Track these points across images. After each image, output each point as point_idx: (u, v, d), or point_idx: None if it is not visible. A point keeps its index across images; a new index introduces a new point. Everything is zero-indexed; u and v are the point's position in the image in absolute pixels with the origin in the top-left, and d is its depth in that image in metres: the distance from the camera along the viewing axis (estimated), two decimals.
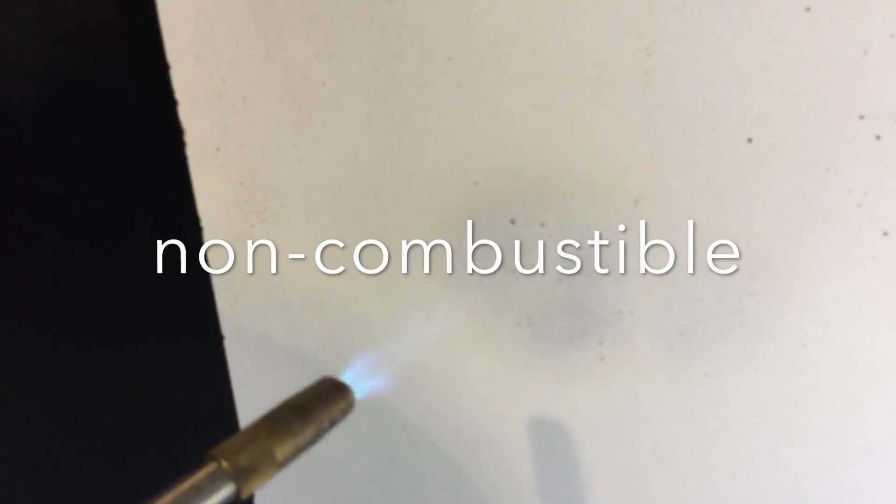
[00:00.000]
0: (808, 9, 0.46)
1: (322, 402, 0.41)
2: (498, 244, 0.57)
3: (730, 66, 0.48)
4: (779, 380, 0.54)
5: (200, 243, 0.64)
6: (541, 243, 0.56)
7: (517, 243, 0.57)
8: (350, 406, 0.42)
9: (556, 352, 0.59)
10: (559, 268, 0.56)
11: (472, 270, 0.59)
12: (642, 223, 0.53)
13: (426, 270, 0.60)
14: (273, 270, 0.64)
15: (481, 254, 0.58)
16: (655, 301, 0.55)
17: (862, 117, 0.46)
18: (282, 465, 0.37)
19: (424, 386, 0.64)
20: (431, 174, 0.57)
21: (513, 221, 0.56)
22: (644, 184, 0.52)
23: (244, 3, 0.57)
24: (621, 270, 0.55)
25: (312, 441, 0.39)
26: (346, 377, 0.46)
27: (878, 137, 0.46)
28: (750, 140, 0.49)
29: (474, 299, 0.59)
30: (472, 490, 0.67)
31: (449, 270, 0.59)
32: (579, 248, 0.55)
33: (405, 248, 0.60)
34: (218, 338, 0.67)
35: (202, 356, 0.69)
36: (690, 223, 0.52)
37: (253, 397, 0.70)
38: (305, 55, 0.56)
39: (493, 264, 0.58)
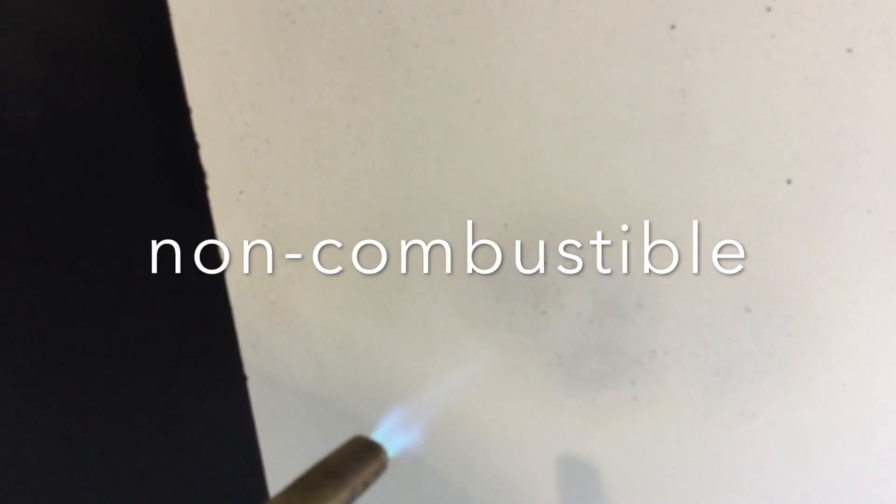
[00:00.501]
0: (849, 50, 0.44)
1: (354, 464, 0.40)
2: (528, 285, 0.56)
3: (768, 108, 0.46)
4: (816, 419, 0.53)
5: (223, 287, 0.63)
6: (571, 284, 0.55)
7: (548, 285, 0.55)
8: (383, 466, 0.41)
9: (587, 391, 0.58)
10: (590, 308, 0.55)
11: (501, 312, 0.57)
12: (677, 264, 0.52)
13: (455, 313, 0.59)
14: (296, 311, 0.63)
15: (511, 295, 0.57)
16: (690, 341, 0.54)
17: None
18: None
19: (453, 429, 0.63)
20: (460, 216, 0.55)
21: (545, 263, 0.55)
22: (679, 226, 0.51)
23: (266, 47, 0.55)
24: (654, 311, 0.54)
25: None
26: (378, 434, 0.45)
27: None
28: (789, 181, 0.48)
29: (504, 340, 0.58)
30: None
31: (479, 311, 0.58)
32: (610, 288, 0.54)
33: (432, 290, 0.59)
34: (241, 378, 0.66)
35: (226, 398, 0.68)
36: (728, 265, 0.51)
37: (277, 440, 0.69)
38: (330, 98, 0.54)
39: (522, 306, 0.57)
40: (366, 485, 0.40)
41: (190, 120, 0.59)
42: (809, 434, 0.54)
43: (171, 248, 0.63)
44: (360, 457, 0.41)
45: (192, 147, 0.58)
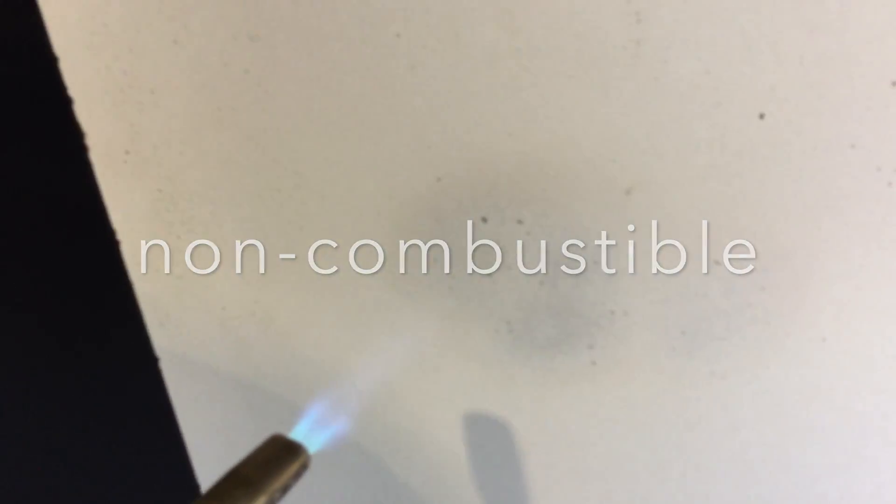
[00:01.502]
0: None
1: (271, 468, 0.36)
2: (469, 246, 0.49)
3: (738, 31, 0.40)
4: (793, 377, 0.49)
5: (120, 260, 0.55)
6: (518, 242, 0.48)
7: (491, 244, 0.49)
8: (304, 467, 0.38)
9: (541, 358, 0.52)
10: (540, 268, 0.49)
11: (441, 276, 0.51)
12: (635, 216, 0.46)
13: (387, 278, 0.52)
14: (207, 285, 0.56)
15: (450, 257, 0.50)
16: (653, 300, 0.48)
17: (894, 84, 0.39)
18: None
19: (393, 407, 0.57)
20: (386, 172, 0.48)
21: (484, 220, 0.48)
22: (637, 171, 0.45)
23: None
24: (612, 268, 0.48)
25: None
26: (301, 427, 0.40)
27: None
28: (762, 116, 0.42)
29: (445, 306, 0.52)
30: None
31: (413, 276, 0.51)
32: (563, 245, 0.48)
33: (359, 253, 0.52)
34: (152, 359, 0.59)
35: (138, 382, 0.61)
36: (693, 214, 0.45)
37: (200, 425, 0.63)
38: (221, 38, 0.46)
39: (464, 268, 0.50)
40: (285, 489, 0.37)
41: (58, 70, 0.50)
42: (786, 394, 0.50)
43: (55, 218, 0.55)
44: (276, 460, 0.38)
45: (63, 102, 0.50)
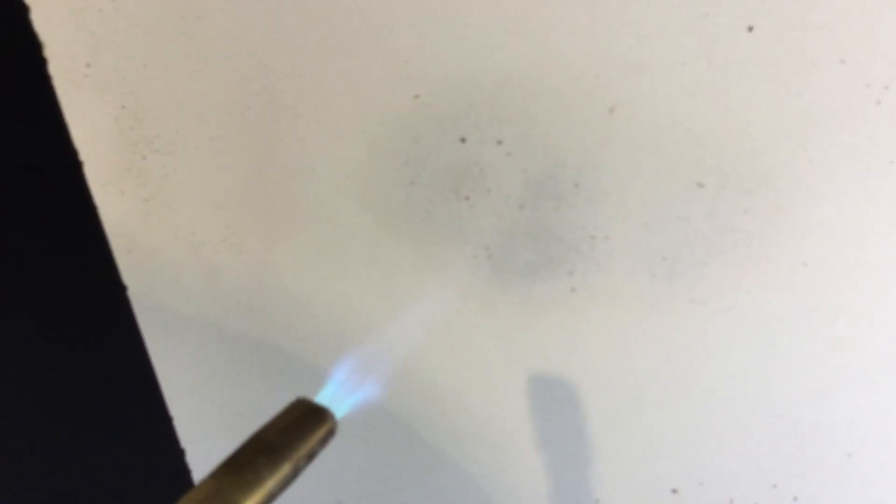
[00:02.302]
0: None
1: (296, 434, 0.33)
2: (446, 167, 0.48)
3: None
4: (775, 303, 0.48)
5: (82, 182, 0.53)
6: (497, 164, 0.47)
7: (469, 165, 0.47)
8: (331, 433, 0.35)
9: (521, 285, 0.51)
10: (520, 191, 0.47)
11: (418, 199, 0.49)
12: (618, 135, 0.44)
13: (362, 201, 0.50)
14: (175, 209, 0.54)
15: (427, 179, 0.48)
16: (634, 224, 0.47)
17: None
18: None
19: (370, 338, 0.55)
20: (359, 88, 0.46)
21: (463, 140, 0.47)
22: (621, 88, 0.43)
23: None
24: (593, 191, 0.46)
25: (289, 482, 0.32)
26: (325, 393, 0.38)
27: None
28: (750, 28, 0.41)
29: (423, 232, 0.50)
30: (430, 436, 0.60)
31: (389, 200, 0.50)
32: (543, 167, 0.46)
33: (334, 175, 0.50)
34: (119, 288, 0.57)
35: (103, 311, 0.59)
36: (677, 133, 0.43)
37: (173, 359, 0.61)
38: None
39: (441, 191, 0.48)
40: (311, 456, 0.33)
41: None
42: (768, 320, 0.49)
43: (12, 136, 0.52)
44: (302, 425, 0.34)
45: (19, 9, 0.47)
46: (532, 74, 0.44)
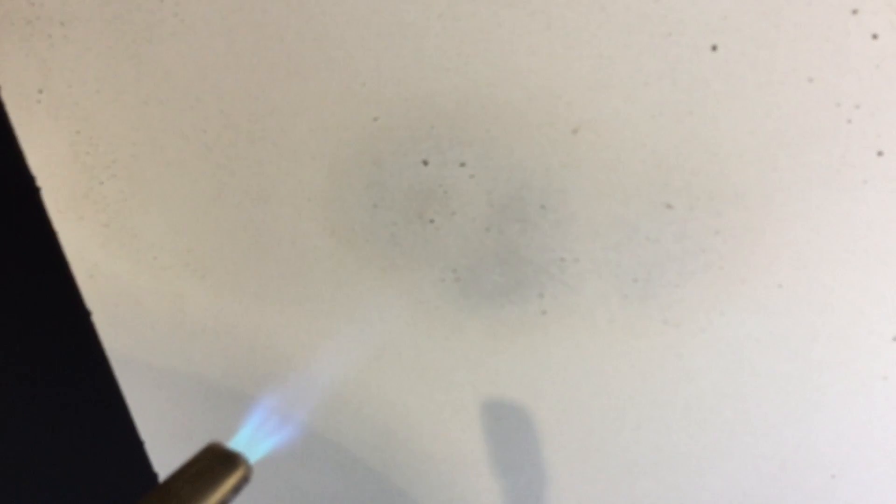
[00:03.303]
0: None
1: (205, 483, 0.32)
2: (410, 189, 0.46)
3: None
4: (750, 325, 0.47)
5: (41, 208, 0.52)
6: (461, 186, 0.46)
7: (433, 187, 0.46)
8: (244, 480, 0.33)
9: (490, 308, 0.50)
10: (485, 213, 0.46)
11: (382, 222, 0.48)
12: (583, 157, 0.43)
13: (325, 224, 0.49)
14: (135, 234, 0.53)
15: (390, 203, 0.47)
16: (603, 245, 0.46)
17: (855, 12, 0.37)
18: None
19: (336, 361, 0.54)
20: (317, 111, 0.45)
21: (425, 162, 0.45)
22: (584, 108, 0.42)
23: None
24: (560, 213, 0.45)
25: None
26: (240, 438, 0.36)
27: (874, 37, 0.38)
28: (714, 47, 0.40)
29: (388, 255, 0.49)
30: (404, 460, 0.59)
31: (353, 223, 0.49)
32: (508, 189, 0.45)
33: (295, 199, 0.49)
34: (84, 313, 0.56)
35: (70, 338, 0.58)
36: (643, 154, 0.42)
37: (140, 384, 0.60)
38: None
39: (405, 214, 0.47)
40: None
41: None
42: (742, 342, 0.48)
43: None
44: (211, 472, 0.32)
45: None
46: (492, 95, 0.42)
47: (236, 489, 0.32)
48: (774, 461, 0.52)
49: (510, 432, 0.55)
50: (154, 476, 0.65)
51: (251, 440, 0.36)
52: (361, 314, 0.52)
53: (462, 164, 0.45)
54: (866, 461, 0.51)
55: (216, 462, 0.32)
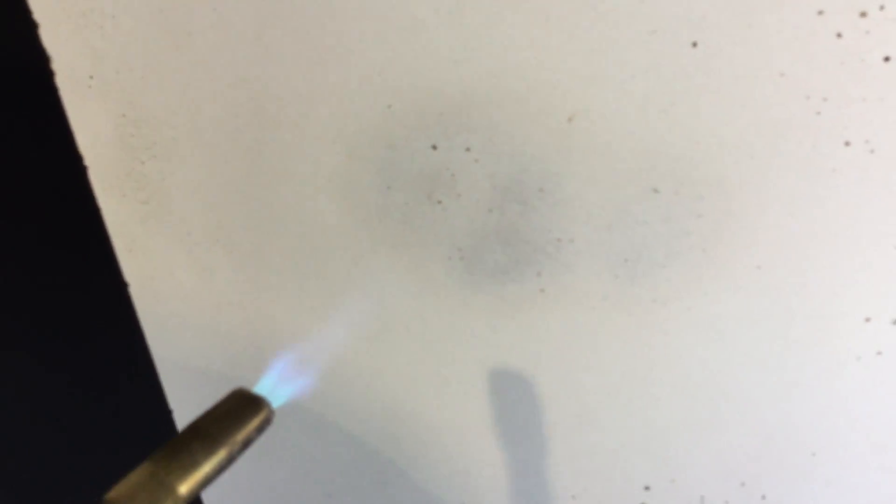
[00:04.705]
0: None
1: (232, 422, 0.35)
2: (420, 172, 0.51)
3: None
4: (731, 304, 0.51)
5: (87, 185, 0.57)
6: (467, 170, 0.50)
7: (441, 170, 0.50)
8: (267, 422, 0.36)
9: (492, 285, 0.54)
10: (488, 195, 0.50)
11: (394, 203, 0.52)
12: (577, 143, 0.47)
13: (342, 204, 0.54)
14: (171, 211, 0.58)
15: (402, 184, 0.52)
16: (596, 227, 0.50)
17: (821, 13, 0.41)
18: (188, 499, 0.32)
19: (352, 332, 0.58)
20: (337, 99, 0.50)
21: (434, 147, 0.50)
22: (578, 99, 0.46)
23: None
24: (557, 196, 0.49)
25: (225, 466, 0.34)
26: (263, 384, 0.40)
27: (839, 35, 0.41)
28: (695, 44, 0.43)
29: (399, 234, 0.53)
30: (411, 431, 0.63)
31: (367, 204, 0.53)
32: (509, 173, 0.49)
33: (316, 179, 0.53)
34: (121, 285, 0.61)
35: (106, 306, 0.62)
36: (631, 141, 0.46)
37: (170, 351, 0.65)
38: None
39: (415, 195, 0.52)
40: (246, 443, 0.35)
41: None
42: (725, 320, 0.51)
43: (22, 145, 0.57)
44: (238, 414, 0.36)
45: (29, 26, 0.51)
46: (495, 86, 0.47)
47: (260, 429, 0.36)
48: (758, 437, 0.55)
49: (510, 405, 0.59)
50: None
51: (272, 389, 0.40)
52: (374, 289, 0.56)
53: (468, 149, 0.49)
54: (844, 440, 0.54)
55: (242, 404, 0.36)
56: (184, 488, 0.32)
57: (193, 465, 0.33)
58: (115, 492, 0.31)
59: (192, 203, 0.57)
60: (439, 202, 0.52)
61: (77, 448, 0.73)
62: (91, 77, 0.54)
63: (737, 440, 0.56)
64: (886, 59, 0.41)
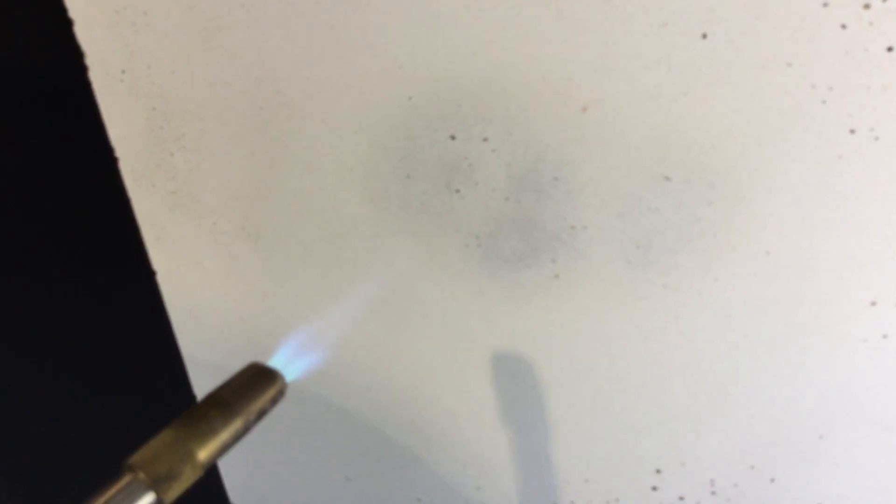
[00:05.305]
0: None
1: (248, 393, 0.37)
2: (439, 161, 0.53)
3: None
4: (740, 289, 0.52)
5: (118, 176, 0.59)
6: (484, 159, 0.52)
7: (459, 160, 0.52)
8: (280, 393, 0.39)
9: (508, 271, 0.56)
10: (505, 184, 0.52)
11: (414, 192, 0.54)
12: (591, 132, 0.49)
13: (363, 194, 0.56)
14: (199, 201, 0.60)
15: (422, 173, 0.54)
16: (609, 214, 0.51)
17: (826, 5, 0.42)
18: (206, 465, 0.34)
19: (373, 317, 0.60)
20: (359, 91, 0.52)
21: (453, 137, 0.52)
22: (591, 89, 0.48)
23: None
24: (571, 184, 0.51)
25: (240, 436, 0.36)
26: (278, 357, 0.42)
27: (843, 27, 0.42)
28: (705, 36, 0.45)
29: (419, 221, 0.55)
30: (428, 416, 0.65)
31: (389, 193, 0.55)
32: (525, 162, 0.51)
33: (340, 169, 0.55)
34: (149, 273, 0.63)
35: (134, 294, 0.65)
36: (644, 130, 0.48)
37: (196, 338, 0.67)
38: None
39: (434, 184, 0.54)
40: (261, 413, 0.37)
41: None
42: (735, 305, 0.53)
43: (56, 138, 0.59)
44: (253, 385, 0.38)
45: (64, 23, 0.53)
46: (511, 77, 0.49)
47: (274, 400, 0.38)
48: (767, 420, 0.56)
49: (525, 390, 0.61)
50: None
51: (286, 363, 0.42)
52: (394, 276, 0.58)
53: (485, 139, 0.51)
54: (851, 422, 0.55)
55: (257, 376, 0.38)
56: (202, 454, 0.34)
57: (212, 432, 0.34)
58: (139, 456, 0.33)
59: (219, 193, 0.59)
60: (457, 191, 0.53)
61: (102, 435, 0.75)
62: (123, 71, 0.56)
63: (746, 423, 0.57)
64: (890, 49, 0.42)
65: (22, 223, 0.64)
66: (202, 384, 0.69)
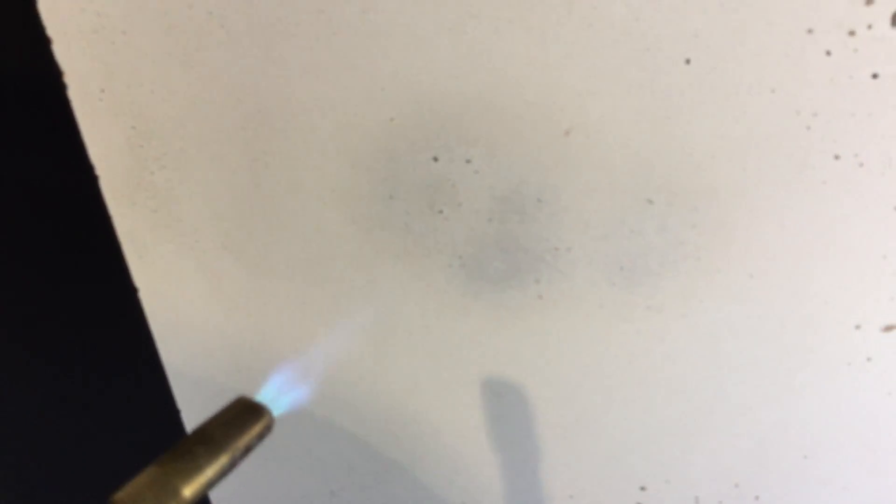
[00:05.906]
0: None
1: (234, 429, 0.37)
2: (421, 183, 0.52)
3: None
4: (724, 311, 0.52)
5: (99, 194, 0.59)
6: (467, 181, 0.51)
7: (442, 181, 0.52)
8: (268, 428, 0.38)
9: (491, 292, 0.55)
10: (487, 206, 0.52)
11: (397, 213, 0.54)
12: (574, 156, 0.49)
13: (346, 214, 0.55)
14: (180, 219, 0.59)
15: (404, 194, 0.53)
16: (593, 236, 0.51)
17: (810, 31, 0.42)
18: (192, 501, 0.34)
19: (356, 338, 0.60)
20: (342, 112, 0.51)
21: (436, 159, 0.51)
22: (574, 113, 0.47)
23: None
24: (555, 206, 0.51)
25: (226, 472, 0.35)
26: (265, 392, 0.42)
27: (828, 53, 0.42)
28: (688, 61, 0.44)
29: (402, 243, 0.55)
30: (413, 432, 0.65)
31: (371, 213, 0.55)
32: (508, 184, 0.51)
33: (321, 190, 0.55)
34: (132, 290, 0.63)
35: (117, 310, 0.64)
36: (626, 154, 0.48)
37: (180, 356, 0.66)
38: None
39: (417, 205, 0.53)
40: (248, 449, 0.37)
41: (37, 11, 0.53)
42: (719, 327, 0.52)
43: (37, 155, 0.58)
44: (240, 421, 0.37)
45: (42, 41, 0.53)
46: (495, 100, 0.48)
47: (261, 436, 0.37)
48: (752, 440, 0.56)
49: (510, 408, 0.61)
50: None
51: (273, 398, 0.41)
52: (377, 296, 0.58)
53: (468, 161, 0.51)
54: (836, 442, 0.55)
55: (244, 411, 0.37)
56: (188, 491, 0.33)
57: (197, 469, 0.34)
58: (123, 493, 0.32)
59: (201, 212, 0.58)
60: (440, 212, 0.53)
61: (87, 450, 0.75)
62: (102, 90, 0.55)
63: (730, 442, 0.57)
64: (874, 76, 0.42)
65: (2, 241, 0.63)
66: (186, 400, 0.69)
